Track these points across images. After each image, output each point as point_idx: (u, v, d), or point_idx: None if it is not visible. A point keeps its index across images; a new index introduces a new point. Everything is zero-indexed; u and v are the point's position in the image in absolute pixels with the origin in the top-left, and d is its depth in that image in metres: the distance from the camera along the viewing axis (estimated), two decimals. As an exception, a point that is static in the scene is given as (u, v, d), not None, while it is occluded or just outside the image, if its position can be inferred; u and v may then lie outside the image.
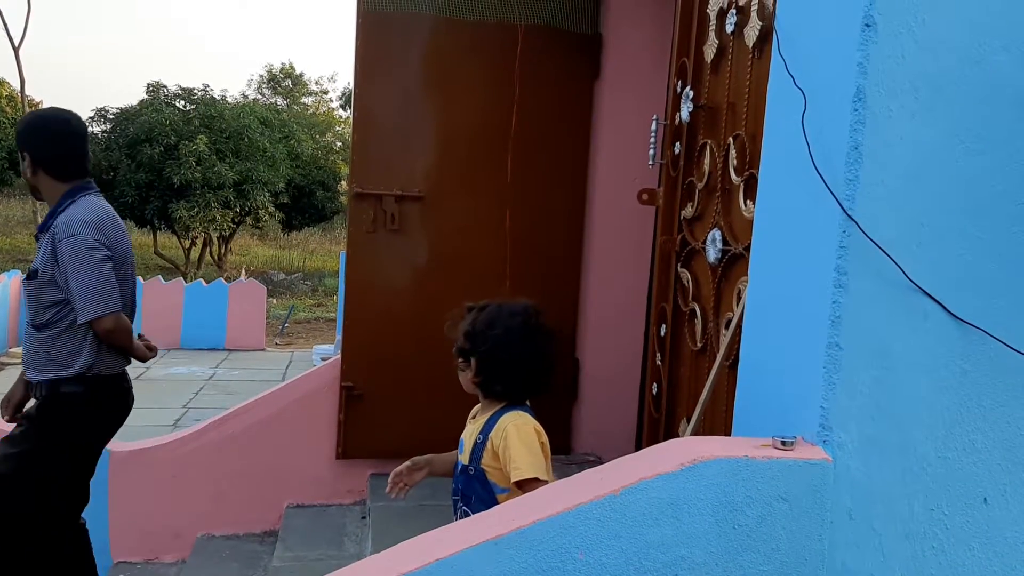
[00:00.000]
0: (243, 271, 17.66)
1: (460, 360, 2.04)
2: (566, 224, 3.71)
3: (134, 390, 2.90)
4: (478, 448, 1.98)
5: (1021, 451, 1.61)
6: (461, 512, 2.00)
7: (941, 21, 1.50)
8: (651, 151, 3.01)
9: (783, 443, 1.53)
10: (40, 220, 2.81)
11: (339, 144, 29.06)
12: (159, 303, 11.23)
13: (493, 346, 1.99)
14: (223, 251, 21.01)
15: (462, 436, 2.10)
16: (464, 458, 2.02)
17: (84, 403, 2.68)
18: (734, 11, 2.46)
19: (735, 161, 2.41)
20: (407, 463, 2.14)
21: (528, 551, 1.44)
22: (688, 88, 2.81)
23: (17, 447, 2.67)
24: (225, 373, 9.71)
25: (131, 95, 54.08)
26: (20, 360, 9.54)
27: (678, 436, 2.80)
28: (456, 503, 2.05)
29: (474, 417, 2.09)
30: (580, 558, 1.45)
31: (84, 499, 2.87)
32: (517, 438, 1.89)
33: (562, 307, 3.67)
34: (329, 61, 70.88)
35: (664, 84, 3.53)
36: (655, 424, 3.06)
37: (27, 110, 18.52)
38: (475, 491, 1.96)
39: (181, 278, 12.29)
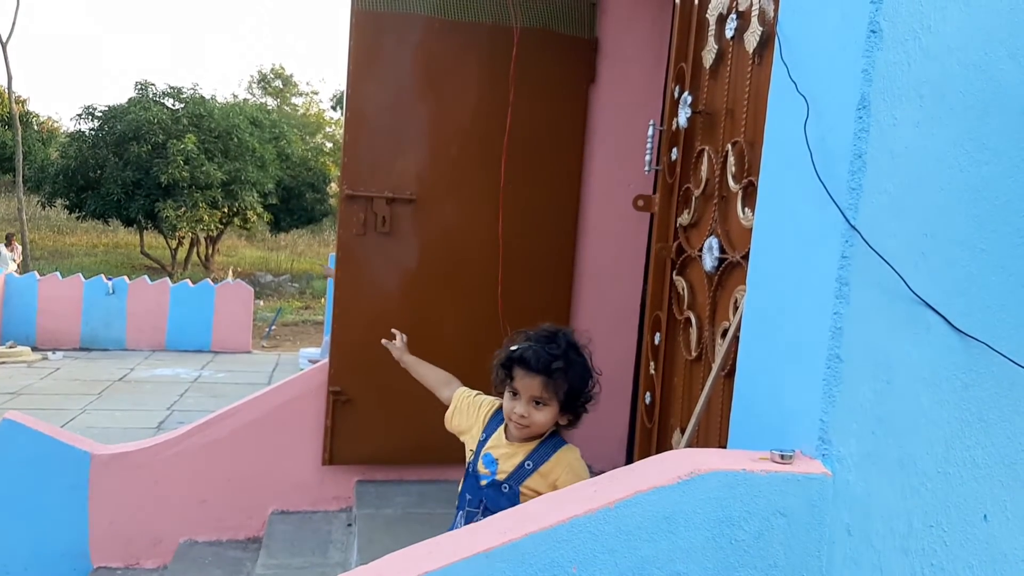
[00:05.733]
0: (230, 272, 17.56)
1: (537, 405, 1.97)
2: (560, 229, 3.68)
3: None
4: (523, 471, 1.99)
5: (1022, 467, 1.58)
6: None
7: (948, 28, 1.47)
8: (647, 157, 2.98)
9: (782, 457, 1.50)
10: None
11: (329, 145, 29.05)
12: (145, 304, 11.16)
13: (585, 384, 2.00)
14: (210, 252, 20.90)
15: (486, 450, 2.07)
16: (500, 475, 2.01)
17: None
18: (734, 16, 2.43)
19: (733, 168, 2.38)
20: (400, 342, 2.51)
21: (520, 564, 1.40)
22: (686, 93, 2.79)
23: None
24: (210, 375, 9.63)
25: (119, 93, 53.81)
26: (3, 358, 9.32)
27: (671, 446, 2.78)
28: (472, 514, 2.04)
29: (507, 439, 2.05)
30: (573, 572, 1.41)
31: None
32: (585, 475, 1.97)
33: (554, 313, 3.63)
34: (320, 62, 70.78)
35: (661, 89, 3.51)
36: (648, 434, 3.03)
37: (14, 107, 18.38)
38: (503, 508, 1.93)
39: (167, 278, 12.20)
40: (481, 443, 2.10)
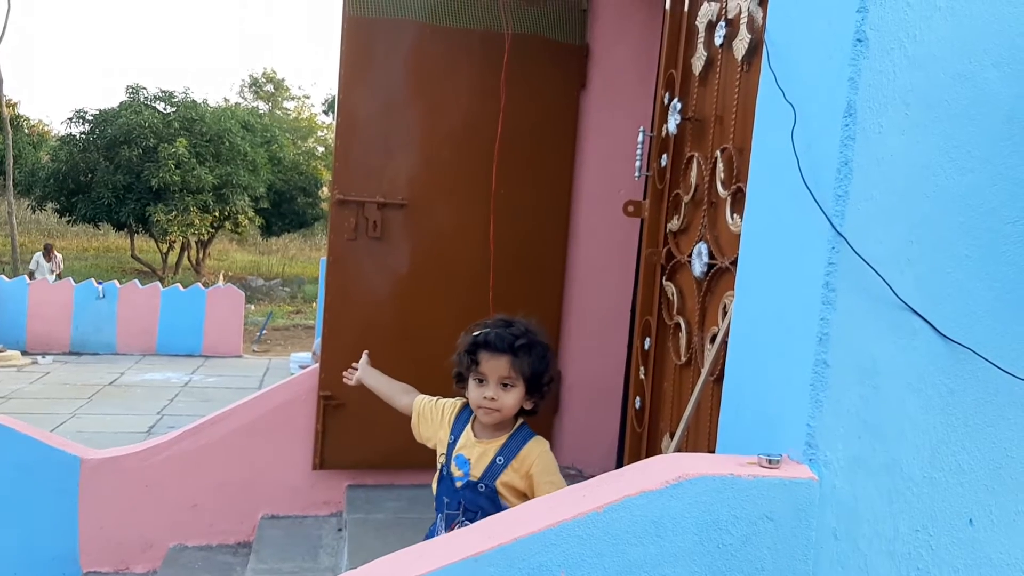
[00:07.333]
0: (221, 276, 17.51)
1: (505, 387, 2.00)
2: (550, 234, 3.69)
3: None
4: (495, 468, 2.01)
5: (1007, 472, 1.59)
6: (463, 527, 2.00)
7: (933, 37, 1.49)
8: (637, 163, 3.00)
9: (769, 461, 1.51)
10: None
11: (321, 149, 29.01)
12: (135, 307, 11.13)
13: (547, 364, 2.04)
14: (201, 256, 20.83)
15: (457, 451, 2.09)
16: (474, 474, 2.03)
17: None
18: (723, 23, 2.45)
19: (722, 174, 2.40)
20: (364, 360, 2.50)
21: (509, 568, 1.40)
22: (676, 100, 2.80)
23: None
24: (201, 380, 9.60)
25: (111, 97, 53.67)
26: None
27: (661, 451, 2.78)
28: (452, 516, 2.05)
29: (476, 436, 2.08)
30: (561, 576, 1.42)
31: None
32: (554, 467, 2.01)
33: (545, 318, 3.63)
34: (313, 66, 70.75)
35: (651, 96, 3.52)
36: (637, 438, 3.04)
37: (4, 110, 18.30)
38: (483, 507, 1.98)
39: (158, 282, 12.18)
40: (451, 445, 2.11)
